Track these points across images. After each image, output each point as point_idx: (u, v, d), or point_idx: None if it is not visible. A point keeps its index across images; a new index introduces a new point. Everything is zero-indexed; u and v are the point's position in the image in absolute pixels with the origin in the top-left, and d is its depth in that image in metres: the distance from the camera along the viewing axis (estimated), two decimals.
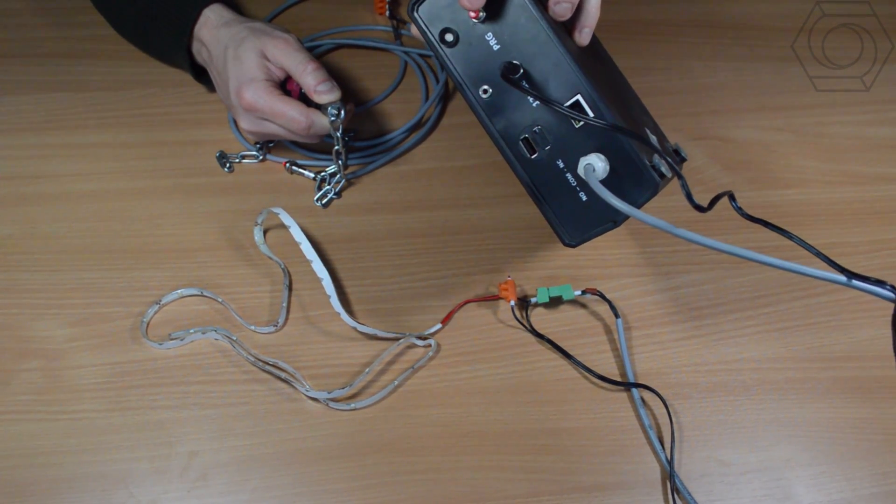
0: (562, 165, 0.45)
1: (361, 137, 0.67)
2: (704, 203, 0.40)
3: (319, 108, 0.58)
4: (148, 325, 0.55)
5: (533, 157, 0.46)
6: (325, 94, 0.57)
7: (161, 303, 0.55)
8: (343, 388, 0.51)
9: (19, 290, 0.56)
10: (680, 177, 0.40)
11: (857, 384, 0.54)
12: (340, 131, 0.59)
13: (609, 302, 0.57)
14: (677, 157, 0.53)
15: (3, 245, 0.58)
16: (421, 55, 0.74)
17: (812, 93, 0.74)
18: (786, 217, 0.64)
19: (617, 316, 0.56)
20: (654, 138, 0.50)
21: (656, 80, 0.73)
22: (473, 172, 0.65)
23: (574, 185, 0.45)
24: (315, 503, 0.48)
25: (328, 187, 0.63)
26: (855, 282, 0.36)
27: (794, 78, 0.75)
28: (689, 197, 0.39)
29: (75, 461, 0.49)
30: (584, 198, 0.45)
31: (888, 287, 0.35)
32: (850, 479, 0.50)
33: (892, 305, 0.35)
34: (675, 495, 0.49)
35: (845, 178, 0.67)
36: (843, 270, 0.36)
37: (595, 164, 0.42)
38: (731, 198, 0.38)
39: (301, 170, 0.64)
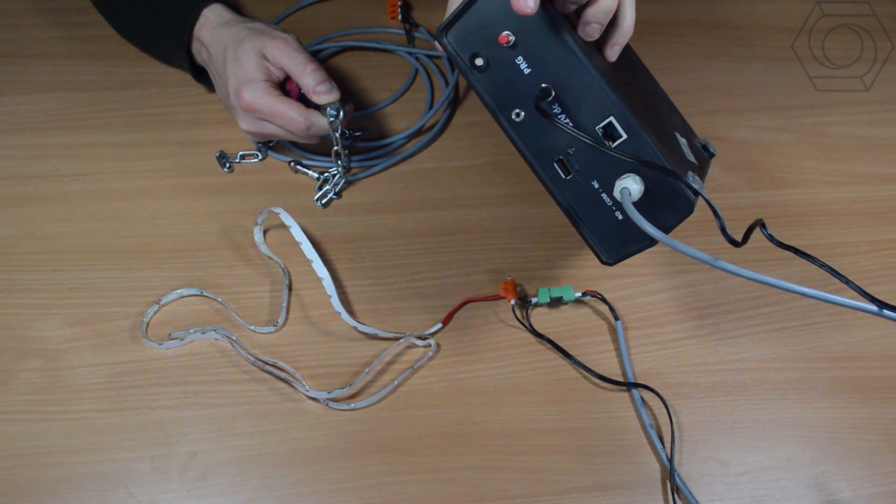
0: (597, 186, 0.45)
1: (367, 138, 0.67)
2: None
3: (319, 108, 0.58)
4: (148, 325, 0.55)
5: (568, 177, 0.45)
6: (325, 94, 0.57)
7: (161, 303, 0.55)
8: (343, 388, 0.51)
9: (19, 290, 0.56)
10: (717, 216, 0.39)
11: (857, 384, 0.54)
12: (339, 132, 0.59)
13: (609, 304, 0.57)
14: (706, 153, 0.53)
15: (3, 245, 0.58)
16: (428, 56, 0.73)
17: (812, 93, 0.74)
18: (786, 217, 0.64)
19: (617, 319, 0.56)
20: (684, 141, 0.50)
21: (657, 79, 0.73)
22: (473, 172, 0.65)
23: (610, 204, 0.45)
24: (315, 503, 0.48)
25: (328, 187, 0.63)
26: (886, 311, 0.36)
27: (794, 78, 0.75)
28: (723, 231, 0.38)
29: (75, 461, 0.49)
30: (621, 217, 0.45)
31: None
32: (850, 479, 0.50)
33: None
34: (676, 494, 0.49)
35: (845, 178, 0.67)
36: (873, 300, 0.36)
37: (630, 188, 0.42)
38: (763, 226, 0.38)
39: (305, 169, 0.64)
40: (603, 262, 0.47)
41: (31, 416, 0.50)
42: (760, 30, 0.80)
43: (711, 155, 0.53)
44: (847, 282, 0.37)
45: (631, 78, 0.50)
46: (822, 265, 0.37)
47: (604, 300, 0.57)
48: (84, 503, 0.47)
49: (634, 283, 0.59)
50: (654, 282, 0.59)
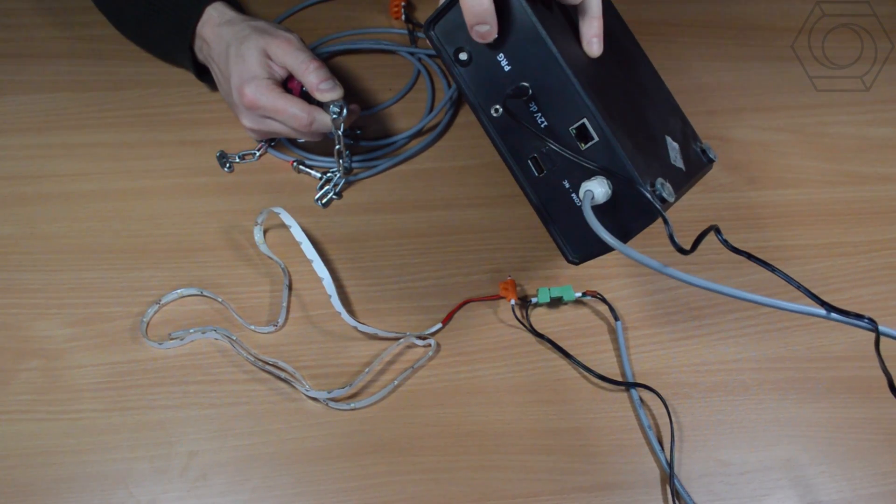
0: (567, 185, 0.45)
1: (367, 137, 0.67)
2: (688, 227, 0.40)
3: (322, 106, 0.58)
4: (148, 325, 0.55)
5: (541, 175, 0.46)
6: (328, 91, 0.57)
7: (161, 303, 0.55)
8: (343, 388, 0.51)
9: (19, 290, 0.56)
10: (666, 222, 0.40)
11: (857, 384, 0.54)
12: (342, 130, 0.59)
13: (609, 305, 0.57)
14: (704, 158, 0.53)
15: (3, 245, 0.58)
16: (430, 56, 0.73)
17: (812, 93, 0.74)
18: (786, 217, 0.64)
19: (616, 319, 0.56)
20: (675, 145, 0.50)
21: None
22: (473, 172, 0.65)
23: (579, 204, 0.45)
24: (315, 503, 0.48)
25: (329, 187, 0.63)
26: (834, 315, 0.37)
27: (794, 78, 0.75)
28: (671, 238, 0.39)
29: (75, 461, 0.49)
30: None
31: (866, 320, 0.37)
32: (850, 479, 0.50)
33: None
34: (676, 499, 0.48)
35: (845, 178, 0.67)
36: (822, 304, 0.37)
37: (595, 190, 0.42)
38: (717, 231, 0.39)
39: (308, 169, 0.64)
40: (569, 261, 0.48)
41: (31, 416, 0.50)
42: (760, 30, 0.80)
43: (710, 160, 0.54)
44: (798, 286, 0.38)
45: (625, 78, 0.50)
46: (774, 269, 0.38)
47: (604, 301, 0.57)
48: (84, 503, 0.47)
49: (634, 282, 0.59)
50: (655, 281, 0.59)
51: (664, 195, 0.42)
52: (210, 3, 0.62)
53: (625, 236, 0.43)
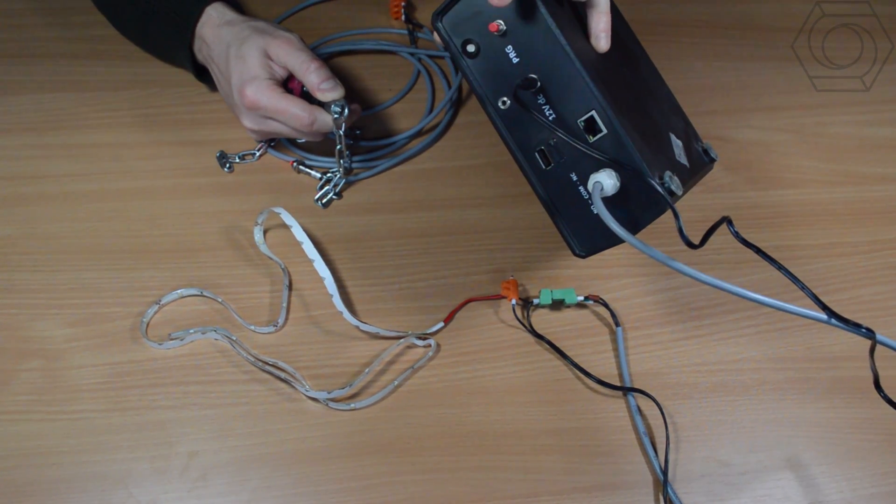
0: (575, 178, 0.46)
1: (367, 137, 0.67)
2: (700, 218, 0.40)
3: (323, 106, 0.58)
4: (148, 325, 0.55)
5: (548, 168, 0.46)
6: (329, 91, 0.57)
7: (161, 303, 0.55)
8: (343, 388, 0.51)
9: (19, 290, 0.56)
10: (676, 215, 0.40)
11: (857, 384, 0.54)
12: (343, 129, 0.59)
13: (611, 310, 0.56)
14: (706, 157, 0.53)
15: (3, 245, 0.58)
16: (430, 56, 0.73)
17: (812, 93, 0.74)
18: (786, 217, 0.64)
19: (618, 325, 0.56)
20: (679, 143, 0.50)
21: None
22: (474, 172, 0.65)
23: (586, 197, 0.45)
24: (315, 503, 0.48)
25: (328, 188, 0.63)
26: (833, 321, 0.38)
27: (794, 78, 0.75)
28: (680, 232, 0.39)
29: (75, 461, 0.49)
30: (596, 210, 0.45)
31: (864, 329, 0.38)
32: (850, 479, 0.50)
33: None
34: None
35: (845, 178, 0.67)
36: (825, 308, 0.38)
37: (604, 182, 0.42)
38: (730, 223, 0.39)
39: (308, 170, 0.64)
40: (575, 254, 0.48)
41: (31, 416, 0.50)
42: (760, 30, 0.80)
43: (712, 160, 0.54)
44: (803, 287, 0.38)
45: (630, 76, 0.50)
46: (781, 268, 0.38)
47: (606, 306, 0.56)
48: (84, 503, 0.47)
49: (636, 283, 0.59)
50: (656, 282, 0.59)
51: (673, 188, 0.42)
52: (209, 4, 0.62)
53: (633, 229, 0.43)
